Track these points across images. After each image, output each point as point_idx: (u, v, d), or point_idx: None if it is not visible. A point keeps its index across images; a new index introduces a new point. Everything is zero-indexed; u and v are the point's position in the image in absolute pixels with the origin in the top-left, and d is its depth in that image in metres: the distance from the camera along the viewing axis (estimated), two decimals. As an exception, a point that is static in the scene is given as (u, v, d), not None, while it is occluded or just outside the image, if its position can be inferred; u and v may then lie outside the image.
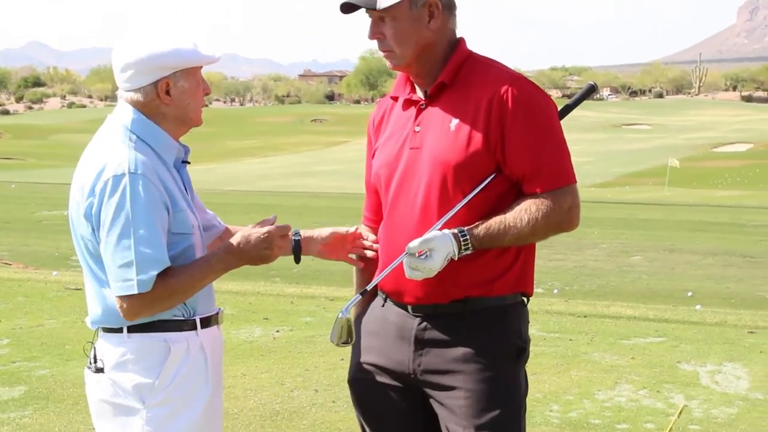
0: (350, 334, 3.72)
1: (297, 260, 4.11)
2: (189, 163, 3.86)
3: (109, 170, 3.54)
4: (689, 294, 16.00)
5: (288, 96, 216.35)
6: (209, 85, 3.83)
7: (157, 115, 3.70)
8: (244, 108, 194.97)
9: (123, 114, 3.71)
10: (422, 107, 3.85)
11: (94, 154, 3.65)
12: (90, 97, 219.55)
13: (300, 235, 4.11)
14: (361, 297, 3.90)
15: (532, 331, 3.92)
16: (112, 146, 3.62)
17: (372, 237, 4.09)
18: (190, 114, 3.76)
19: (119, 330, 3.67)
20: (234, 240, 3.72)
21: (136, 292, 3.52)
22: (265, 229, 3.74)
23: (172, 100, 3.70)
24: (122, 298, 3.56)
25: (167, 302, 3.62)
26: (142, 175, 3.54)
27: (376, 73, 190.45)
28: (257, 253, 3.72)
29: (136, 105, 3.70)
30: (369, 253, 4.07)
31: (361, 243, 4.11)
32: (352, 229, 4.10)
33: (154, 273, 3.53)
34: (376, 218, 4.07)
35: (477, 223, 3.69)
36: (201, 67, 3.76)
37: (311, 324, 10.53)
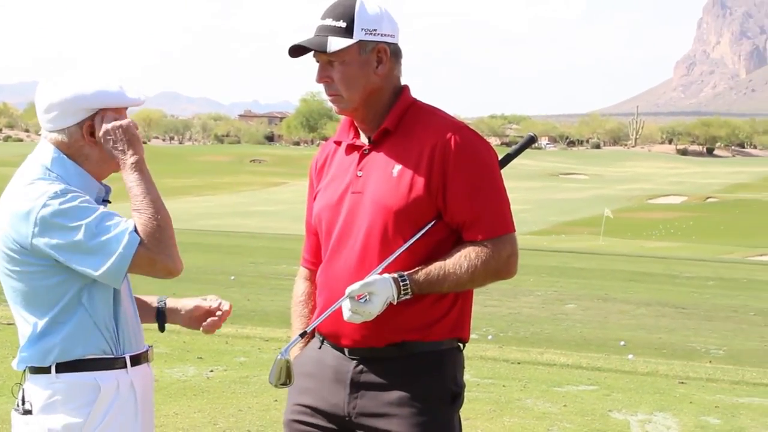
0: (289, 376, 3.74)
1: (161, 329, 4.10)
2: (110, 202, 3.83)
3: (39, 200, 3.51)
4: (622, 343, 16.11)
5: (228, 135, 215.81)
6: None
7: (80, 156, 3.68)
8: (184, 146, 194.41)
9: (43, 153, 3.69)
10: (365, 152, 3.89)
11: (15, 192, 3.62)
12: (27, 131, 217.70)
13: (165, 305, 4.08)
14: (300, 339, 3.92)
15: (466, 376, 3.95)
16: (32, 183, 3.59)
17: (225, 307, 4.05)
18: (113, 155, 3.74)
19: (47, 370, 3.63)
20: (106, 143, 3.65)
21: (133, 252, 3.48)
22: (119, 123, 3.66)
23: (97, 142, 3.68)
24: (140, 265, 3.51)
25: (163, 231, 3.54)
26: (65, 190, 3.53)
27: (316, 115, 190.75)
28: (125, 133, 3.65)
29: (60, 145, 3.68)
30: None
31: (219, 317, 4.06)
32: (215, 304, 4.03)
33: (131, 232, 3.49)
34: (315, 260, 4.10)
35: (417, 268, 3.74)
36: (126, 108, 3.73)
37: (245, 364, 10.49)
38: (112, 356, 3.67)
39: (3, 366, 9.77)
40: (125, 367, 3.70)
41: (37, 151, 3.72)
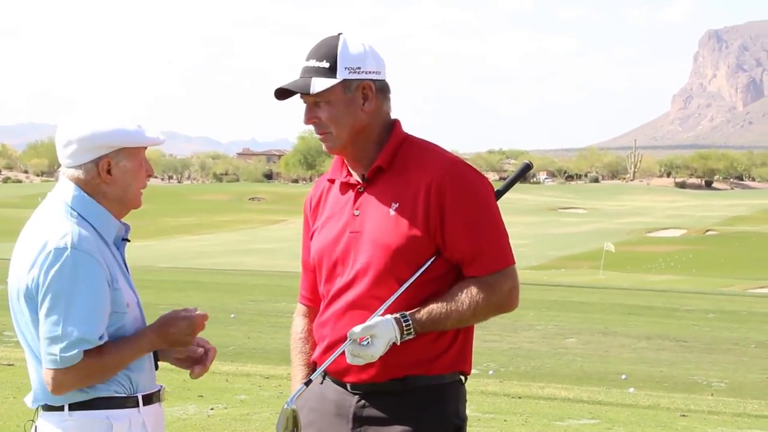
0: (296, 425, 3.75)
1: (155, 367, 4.07)
2: (129, 240, 3.87)
3: (51, 243, 3.56)
4: (623, 377, 16.09)
5: (226, 174, 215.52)
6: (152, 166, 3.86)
7: (97, 193, 3.72)
8: (182, 185, 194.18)
9: (64, 191, 3.72)
10: (360, 191, 3.90)
11: (36, 229, 3.66)
12: (26, 172, 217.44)
13: None
14: (305, 387, 3.93)
15: (467, 412, 3.96)
16: (53, 221, 3.63)
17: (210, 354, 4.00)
18: (130, 195, 3.78)
19: (60, 408, 3.65)
20: (161, 322, 3.76)
21: (57, 367, 3.54)
22: (192, 315, 3.79)
23: (113, 179, 3.71)
24: (48, 370, 3.57)
25: (96, 378, 3.62)
26: (85, 252, 3.56)
27: (314, 152, 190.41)
28: (181, 338, 3.78)
29: (78, 182, 3.71)
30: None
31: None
32: (200, 352, 3.99)
33: (78, 351, 3.53)
34: (312, 297, 4.10)
35: (419, 307, 3.75)
36: (145, 148, 3.77)
37: (246, 402, 10.48)
38: (125, 395, 3.70)
39: (4, 406, 9.77)
40: (137, 406, 3.72)
41: (58, 188, 3.76)
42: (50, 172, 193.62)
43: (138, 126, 3.72)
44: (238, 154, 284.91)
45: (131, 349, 3.67)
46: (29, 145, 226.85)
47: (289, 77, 3.87)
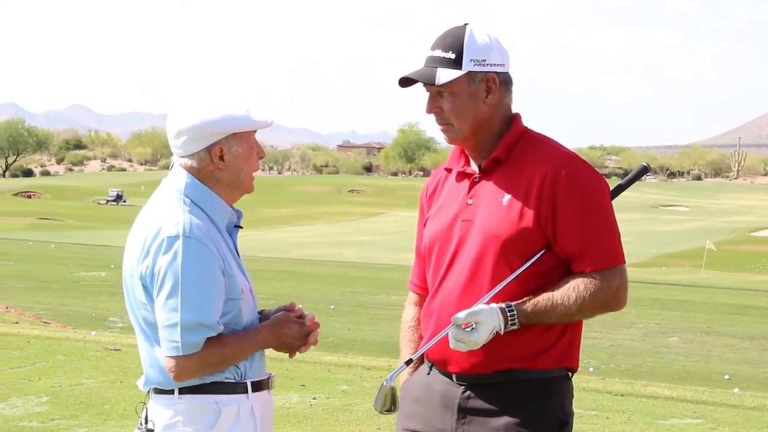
0: (394, 403, 3.76)
1: None
2: (241, 227, 3.91)
3: (164, 232, 3.60)
4: (726, 377, 15.88)
5: (326, 166, 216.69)
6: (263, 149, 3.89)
7: (211, 180, 3.75)
8: (283, 176, 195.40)
9: (177, 178, 3.75)
10: (476, 180, 3.90)
11: (149, 217, 3.70)
12: (130, 160, 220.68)
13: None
14: (405, 366, 3.94)
15: (572, 407, 3.93)
16: (167, 209, 3.67)
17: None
18: (244, 179, 3.80)
19: (171, 392, 3.70)
20: (276, 321, 3.80)
21: (180, 354, 3.58)
22: (306, 323, 3.83)
23: (226, 166, 3.74)
24: (169, 358, 3.61)
25: (216, 367, 3.66)
26: (197, 240, 3.59)
27: (414, 146, 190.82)
28: (291, 342, 3.82)
29: (191, 170, 3.74)
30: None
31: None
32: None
33: (201, 338, 3.58)
34: (424, 285, 4.11)
35: (525, 298, 3.73)
36: (255, 131, 3.80)
37: (348, 392, 10.52)
38: (234, 381, 3.73)
39: (111, 390, 9.96)
40: (246, 392, 3.74)
41: (171, 175, 3.79)
42: (153, 161, 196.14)
43: (246, 110, 3.74)
44: (338, 146, 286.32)
45: (249, 342, 3.71)
46: (133, 134, 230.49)
47: (409, 67, 3.88)
